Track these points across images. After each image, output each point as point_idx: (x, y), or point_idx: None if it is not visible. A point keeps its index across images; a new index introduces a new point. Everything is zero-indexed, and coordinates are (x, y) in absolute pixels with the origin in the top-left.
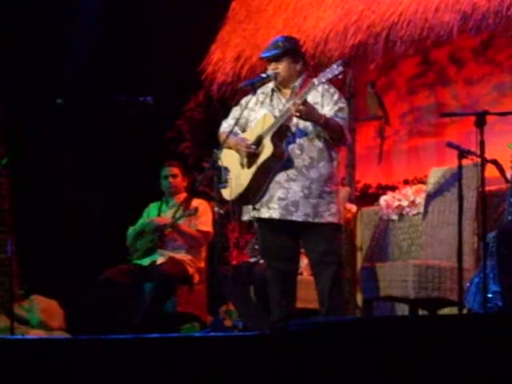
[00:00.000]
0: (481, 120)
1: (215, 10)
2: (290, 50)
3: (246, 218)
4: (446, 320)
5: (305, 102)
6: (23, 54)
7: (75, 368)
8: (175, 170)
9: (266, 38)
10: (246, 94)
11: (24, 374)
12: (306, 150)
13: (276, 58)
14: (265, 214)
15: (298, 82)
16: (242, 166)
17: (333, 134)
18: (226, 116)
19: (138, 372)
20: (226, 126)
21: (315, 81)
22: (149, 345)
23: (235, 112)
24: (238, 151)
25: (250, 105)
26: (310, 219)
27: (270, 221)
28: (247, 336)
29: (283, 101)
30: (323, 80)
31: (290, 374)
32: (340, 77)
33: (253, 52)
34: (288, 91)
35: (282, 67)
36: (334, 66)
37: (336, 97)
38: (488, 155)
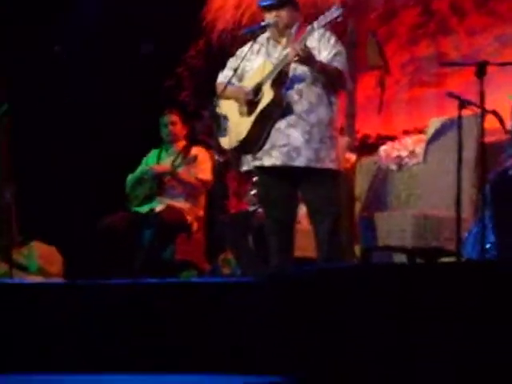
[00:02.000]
0: (481, 70)
1: None
2: None
3: (245, 168)
4: (442, 267)
5: (304, 47)
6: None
7: (72, 312)
8: (175, 118)
9: None
10: (246, 41)
11: (22, 317)
12: (305, 95)
13: (278, 6)
14: (267, 161)
15: (293, 29)
16: (242, 114)
17: (331, 79)
18: (225, 64)
19: (135, 317)
20: (222, 77)
21: (315, 24)
22: (146, 290)
23: (231, 63)
24: (236, 100)
25: (247, 55)
26: (312, 164)
27: (271, 169)
28: (244, 282)
29: (279, 48)
30: (322, 23)
31: (287, 320)
32: (339, 19)
33: (253, 0)
34: (283, 39)
35: (283, 14)
36: (333, 9)
37: (333, 41)
38: (488, 106)
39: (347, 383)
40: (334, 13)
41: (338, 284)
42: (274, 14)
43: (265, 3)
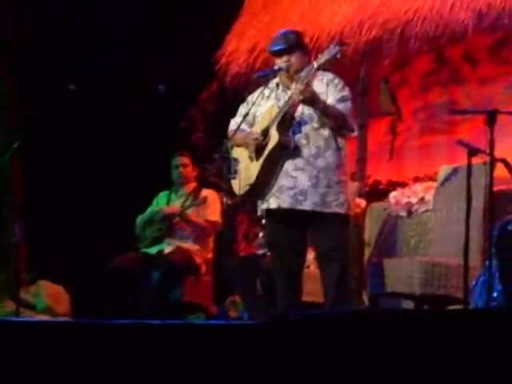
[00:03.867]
0: (491, 118)
1: (232, 1)
2: (300, 42)
3: (259, 213)
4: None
5: (306, 86)
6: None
7: (77, 351)
8: (186, 160)
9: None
10: (258, 85)
11: (28, 356)
12: (312, 139)
13: (288, 51)
14: (273, 204)
15: (302, 73)
16: (251, 159)
17: (335, 122)
18: (238, 108)
19: (139, 357)
20: (233, 124)
21: (314, 63)
22: (150, 331)
23: (242, 109)
24: (246, 146)
25: (256, 101)
26: (319, 208)
27: (278, 211)
28: (247, 324)
29: (289, 93)
30: (322, 61)
31: (290, 362)
32: (338, 56)
33: (267, 44)
34: (293, 84)
35: (294, 59)
36: (331, 47)
37: (340, 86)
38: (498, 155)
39: None
40: (331, 51)
41: (342, 329)
42: (284, 59)
43: (275, 49)
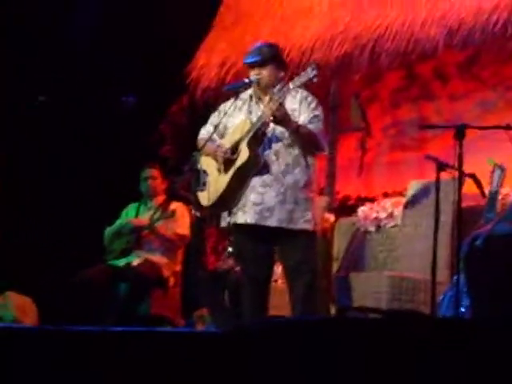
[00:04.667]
0: (460, 133)
1: (202, 15)
2: (275, 56)
3: (223, 224)
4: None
5: (280, 106)
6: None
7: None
8: (155, 172)
9: (252, 44)
10: (229, 98)
11: None
12: (282, 156)
13: (260, 64)
14: (240, 218)
15: (276, 88)
16: (219, 171)
17: (305, 141)
18: (208, 120)
19: (102, 364)
20: (204, 132)
21: (290, 85)
22: (113, 338)
23: (213, 118)
24: (215, 157)
25: (229, 111)
26: (284, 225)
27: (245, 226)
28: (212, 333)
29: (261, 107)
30: (298, 84)
31: (252, 371)
32: (315, 80)
33: (238, 58)
34: (266, 98)
35: (265, 73)
36: (309, 70)
37: (313, 105)
38: (468, 171)
39: None
40: (309, 74)
41: (309, 335)
42: (256, 71)
43: (248, 61)
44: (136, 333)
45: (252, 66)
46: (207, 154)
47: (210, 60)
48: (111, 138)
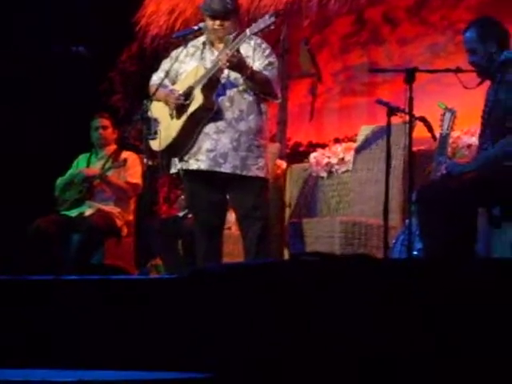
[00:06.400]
0: (410, 76)
1: None
2: (236, 8)
3: (173, 170)
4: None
5: (236, 53)
6: None
7: None
8: (105, 122)
9: None
10: (177, 46)
11: None
12: (236, 102)
13: (224, 16)
14: (193, 165)
15: (231, 36)
16: (172, 117)
17: (260, 88)
18: (158, 67)
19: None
20: (155, 78)
21: (247, 31)
22: (67, 286)
23: (165, 64)
24: (167, 103)
25: (181, 57)
26: (238, 171)
27: (197, 173)
28: (166, 279)
29: (215, 53)
30: (255, 30)
31: (207, 315)
32: (272, 27)
33: (187, 6)
34: (221, 45)
35: (227, 24)
36: (267, 17)
37: (267, 52)
38: (419, 114)
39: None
40: (266, 21)
41: (261, 278)
42: (218, 22)
43: (210, 12)
44: (90, 281)
45: (214, 16)
46: (159, 100)
47: (159, 7)
48: (61, 89)
